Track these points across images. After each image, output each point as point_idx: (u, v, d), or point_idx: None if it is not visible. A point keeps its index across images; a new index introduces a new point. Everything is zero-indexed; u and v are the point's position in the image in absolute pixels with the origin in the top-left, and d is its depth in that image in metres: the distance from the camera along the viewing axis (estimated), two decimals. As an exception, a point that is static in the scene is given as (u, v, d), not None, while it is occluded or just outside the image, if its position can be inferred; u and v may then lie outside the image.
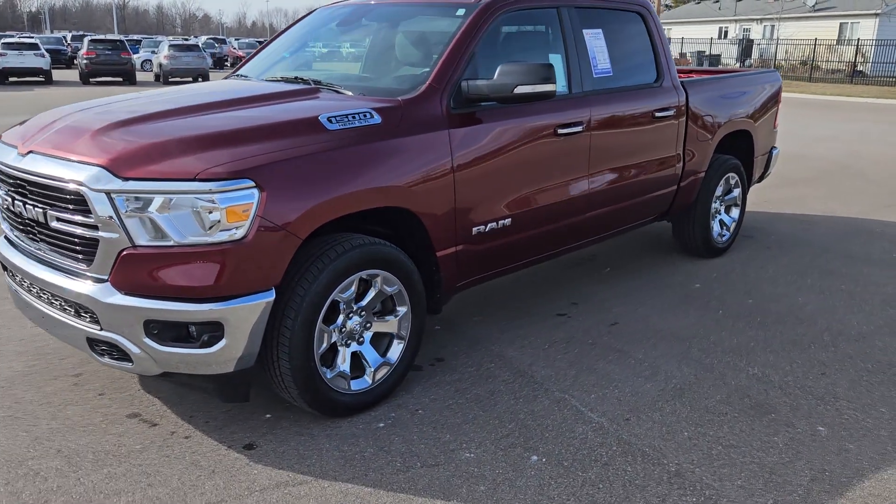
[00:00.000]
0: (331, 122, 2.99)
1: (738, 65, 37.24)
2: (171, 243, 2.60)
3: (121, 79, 26.61)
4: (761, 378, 3.61)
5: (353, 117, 3.05)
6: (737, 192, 5.68)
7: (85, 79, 26.44)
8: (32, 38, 33.80)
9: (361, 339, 3.18)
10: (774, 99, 5.97)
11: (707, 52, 37.30)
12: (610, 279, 5.09)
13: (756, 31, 43.43)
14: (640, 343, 4.01)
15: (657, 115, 4.55)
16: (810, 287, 4.95)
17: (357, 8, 4.30)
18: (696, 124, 4.97)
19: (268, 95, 3.37)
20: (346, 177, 2.91)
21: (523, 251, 3.92)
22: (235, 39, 58.57)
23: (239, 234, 2.63)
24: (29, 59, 25.25)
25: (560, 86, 3.98)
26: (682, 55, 39.50)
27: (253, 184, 2.63)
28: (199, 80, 26.06)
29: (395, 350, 3.29)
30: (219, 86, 3.98)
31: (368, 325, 3.19)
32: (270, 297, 2.74)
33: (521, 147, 3.66)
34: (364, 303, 3.12)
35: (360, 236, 3.03)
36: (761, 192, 7.90)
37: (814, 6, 40.94)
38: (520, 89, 3.33)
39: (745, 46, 38.35)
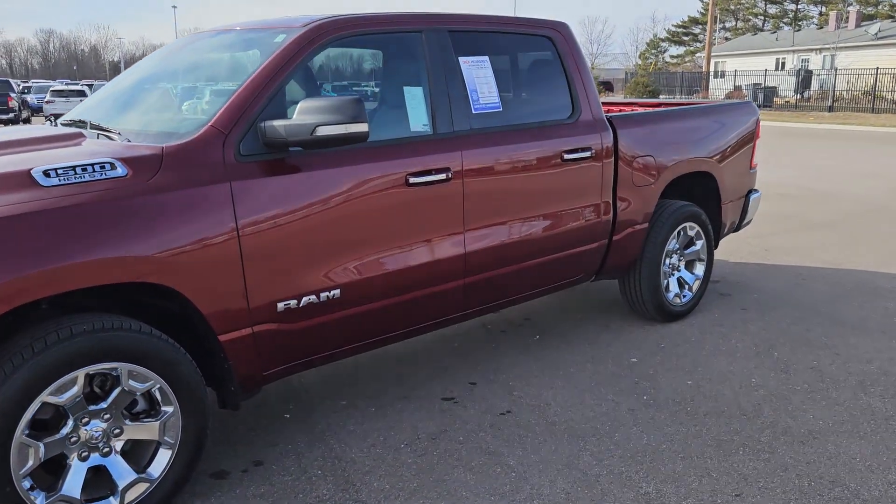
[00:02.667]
0: (47, 176, 2.37)
1: (796, 97, 35.59)
2: None
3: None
4: (653, 501, 2.76)
5: (83, 170, 2.42)
6: (700, 244, 4.81)
7: (129, 122, 27.03)
8: (89, 84, 34.99)
9: (108, 449, 2.51)
10: (750, 134, 5.10)
11: (762, 84, 35.74)
12: (533, 350, 4.28)
13: (815, 62, 41.57)
14: (521, 442, 3.21)
15: (567, 156, 3.78)
16: (774, 363, 4.04)
17: (196, 38, 3.70)
18: (629, 166, 4.17)
19: (12, 143, 2.78)
20: (59, 246, 2.27)
21: (371, 328, 3.19)
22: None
23: None
24: (74, 106, 26.00)
25: (420, 124, 3.29)
26: (738, 88, 38.00)
27: None
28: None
29: (161, 461, 2.61)
30: None
31: (118, 430, 2.52)
32: (-74, 406, 2.10)
33: (350, 201, 2.96)
34: (106, 404, 2.46)
35: (91, 318, 2.38)
36: (763, 240, 6.95)
37: (877, 34, 38.99)
38: (322, 130, 2.66)
39: (804, 77, 36.60)
